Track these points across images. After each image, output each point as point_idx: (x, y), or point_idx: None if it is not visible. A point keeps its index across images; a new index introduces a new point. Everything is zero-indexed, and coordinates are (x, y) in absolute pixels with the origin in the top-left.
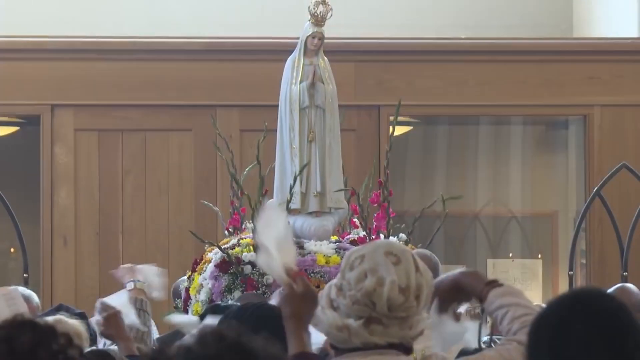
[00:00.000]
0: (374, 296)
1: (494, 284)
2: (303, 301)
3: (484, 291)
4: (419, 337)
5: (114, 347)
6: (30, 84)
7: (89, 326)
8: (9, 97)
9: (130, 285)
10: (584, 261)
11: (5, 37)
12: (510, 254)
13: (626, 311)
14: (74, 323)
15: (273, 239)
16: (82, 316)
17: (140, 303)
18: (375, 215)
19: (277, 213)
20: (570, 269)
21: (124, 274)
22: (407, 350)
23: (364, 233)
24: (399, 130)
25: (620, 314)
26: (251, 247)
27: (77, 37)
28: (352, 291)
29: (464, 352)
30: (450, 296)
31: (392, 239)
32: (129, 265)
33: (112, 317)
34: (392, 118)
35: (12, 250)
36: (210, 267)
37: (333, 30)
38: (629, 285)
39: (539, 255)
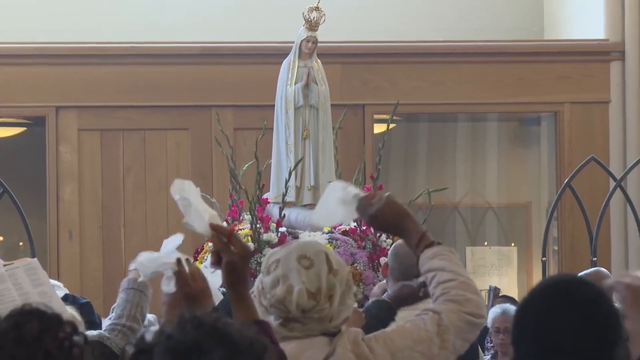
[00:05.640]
0: (285, 302)
1: (426, 243)
2: (244, 263)
3: (417, 251)
4: (342, 325)
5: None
6: (36, 87)
7: (93, 314)
8: (16, 99)
9: (132, 266)
10: (556, 248)
11: (13, 44)
12: (486, 242)
13: (607, 298)
14: (69, 311)
15: (194, 199)
16: (88, 305)
17: (137, 284)
18: None
19: (189, 187)
20: (543, 255)
21: None
22: (333, 335)
23: (355, 224)
24: (383, 128)
25: (602, 301)
26: (249, 238)
27: (80, 43)
28: (268, 295)
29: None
30: (388, 221)
31: None
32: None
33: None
34: (377, 116)
35: (20, 243)
36: (210, 258)
37: (321, 34)
38: (603, 269)
39: (514, 244)
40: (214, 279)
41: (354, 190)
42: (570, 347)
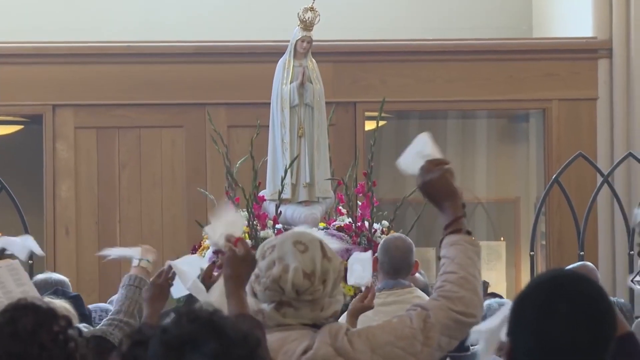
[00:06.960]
0: (280, 282)
1: (454, 228)
2: (243, 262)
3: (444, 233)
4: (332, 318)
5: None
6: (33, 85)
7: (83, 307)
8: (13, 98)
9: (135, 262)
10: (544, 243)
11: (11, 43)
12: (474, 237)
13: (604, 294)
14: (60, 303)
15: (223, 219)
16: (77, 298)
17: (137, 281)
18: (360, 204)
19: (232, 213)
20: (532, 250)
21: (147, 251)
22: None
23: (350, 220)
24: (374, 125)
25: (600, 298)
26: (246, 235)
27: (76, 42)
28: (264, 278)
29: None
30: (434, 193)
31: (376, 225)
32: (148, 247)
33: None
34: (368, 113)
35: None
36: (209, 253)
37: (313, 33)
38: (589, 263)
39: (502, 238)
40: (192, 270)
41: (429, 149)
42: (568, 342)
